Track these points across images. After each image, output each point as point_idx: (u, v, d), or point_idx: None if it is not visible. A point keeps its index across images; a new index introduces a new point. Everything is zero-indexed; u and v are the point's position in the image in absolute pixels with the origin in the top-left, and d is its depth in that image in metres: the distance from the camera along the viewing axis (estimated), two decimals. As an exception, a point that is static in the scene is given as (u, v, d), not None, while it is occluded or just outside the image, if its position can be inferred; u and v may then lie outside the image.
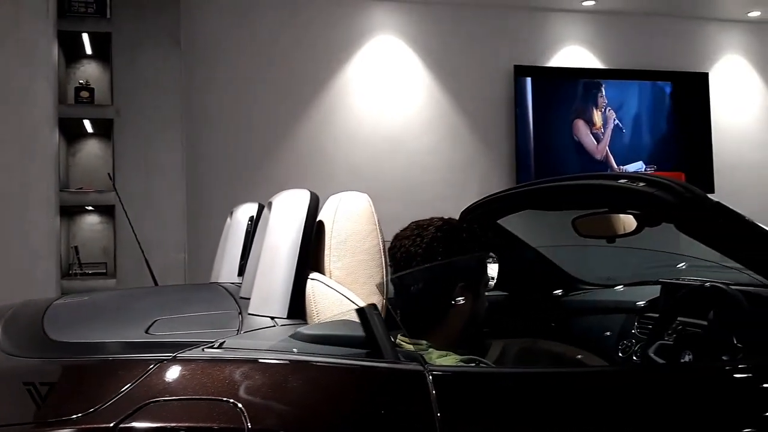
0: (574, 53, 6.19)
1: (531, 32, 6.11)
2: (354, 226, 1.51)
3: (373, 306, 1.33)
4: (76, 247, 4.61)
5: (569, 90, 6.07)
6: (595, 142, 6.09)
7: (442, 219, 1.70)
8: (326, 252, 1.50)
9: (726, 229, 1.55)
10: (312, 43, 5.58)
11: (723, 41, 6.51)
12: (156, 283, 2.55)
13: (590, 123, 6.08)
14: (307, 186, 1.63)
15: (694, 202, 1.55)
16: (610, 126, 6.12)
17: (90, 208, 4.65)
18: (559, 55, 6.15)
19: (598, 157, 6.08)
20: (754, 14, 6.33)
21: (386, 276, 1.53)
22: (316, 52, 5.59)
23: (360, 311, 1.32)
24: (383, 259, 1.52)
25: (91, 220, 4.79)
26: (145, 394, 1.11)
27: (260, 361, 1.22)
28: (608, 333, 2.36)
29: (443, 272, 1.61)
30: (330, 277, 1.48)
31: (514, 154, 5.92)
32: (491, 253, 2.63)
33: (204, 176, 5.12)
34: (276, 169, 5.40)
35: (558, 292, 2.62)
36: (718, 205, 1.54)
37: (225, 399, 1.11)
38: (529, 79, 5.97)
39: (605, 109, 6.12)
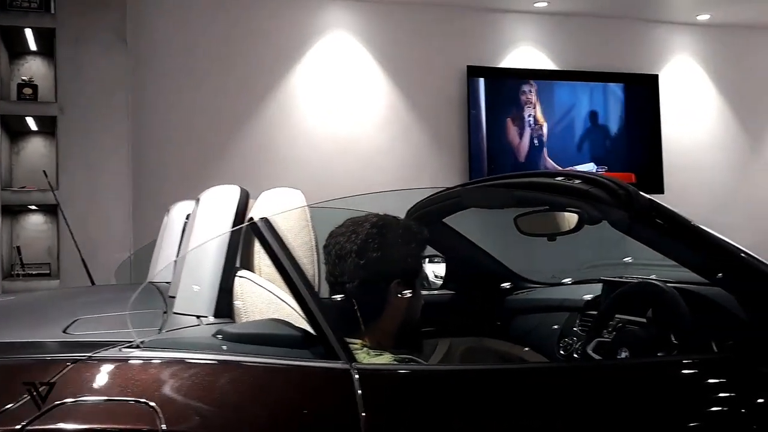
0: (526, 54, 6.24)
1: (484, 32, 6.13)
2: (285, 223, 1.48)
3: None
4: (18, 248, 4.48)
5: (521, 90, 6.12)
6: (518, 141, 6.13)
7: (377, 215, 1.67)
8: (256, 249, 1.47)
9: (659, 227, 1.56)
10: (263, 40, 5.52)
11: (673, 44, 6.62)
12: (93, 283, 2.48)
13: (518, 123, 6.12)
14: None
15: (627, 199, 1.55)
16: (536, 127, 6.18)
17: (33, 207, 4.53)
18: (511, 55, 6.19)
19: (521, 159, 6.10)
20: (703, 17, 6.45)
21: (318, 274, 1.50)
22: (268, 49, 5.53)
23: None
24: (315, 256, 1.49)
25: (35, 220, 4.66)
26: (56, 395, 1.07)
27: (178, 360, 1.18)
28: (552, 331, 2.38)
29: (378, 268, 1.58)
30: (260, 275, 1.45)
31: (467, 154, 5.94)
32: (438, 253, 2.64)
33: (150, 175, 5.02)
34: (226, 168, 5.33)
35: (504, 290, 2.63)
36: (651, 203, 1.55)
37: (140, 400, 1.08)
38: (482, 80, 5.99)
39: (532, 110, 6.16)
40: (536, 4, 6.04)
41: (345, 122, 5.71)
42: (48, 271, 4.50)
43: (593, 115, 6.28)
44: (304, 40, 5.63)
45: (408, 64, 5.88)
